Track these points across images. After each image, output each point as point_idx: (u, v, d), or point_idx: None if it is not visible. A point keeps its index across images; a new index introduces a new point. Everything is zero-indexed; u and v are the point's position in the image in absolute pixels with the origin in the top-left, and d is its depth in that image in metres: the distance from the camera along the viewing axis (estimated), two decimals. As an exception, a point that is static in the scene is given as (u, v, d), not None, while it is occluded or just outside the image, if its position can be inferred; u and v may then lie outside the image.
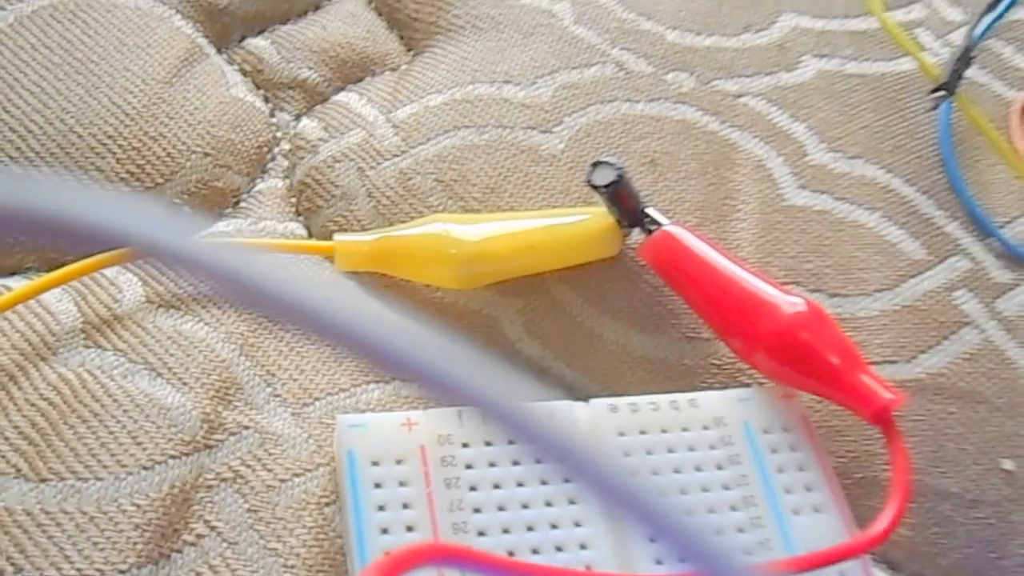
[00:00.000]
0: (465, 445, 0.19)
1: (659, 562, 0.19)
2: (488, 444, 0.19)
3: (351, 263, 0.23)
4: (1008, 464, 0.23)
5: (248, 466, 0.20)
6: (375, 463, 0.19)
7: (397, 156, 0.25)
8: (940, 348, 0.25)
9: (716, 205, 0.26)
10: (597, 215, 0.24)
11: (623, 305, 0.24)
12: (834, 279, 0.25)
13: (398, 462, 0.19)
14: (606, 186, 0.23)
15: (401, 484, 0.19)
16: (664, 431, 0.21)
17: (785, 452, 0.21)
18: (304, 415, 0.21)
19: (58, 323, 0.21)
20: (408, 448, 0.19)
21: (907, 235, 0.27)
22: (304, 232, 0.25)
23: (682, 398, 0.21)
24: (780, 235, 0.26)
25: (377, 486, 0.19)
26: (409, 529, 0.18)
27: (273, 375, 0.21)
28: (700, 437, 0.21)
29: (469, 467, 0.19)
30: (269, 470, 0.20)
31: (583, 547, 0.19)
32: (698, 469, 0.20)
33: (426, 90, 0.27)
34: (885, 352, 0.24)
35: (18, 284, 0.21)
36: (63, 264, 0.22)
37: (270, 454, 0.20)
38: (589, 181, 0.23)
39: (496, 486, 0.19)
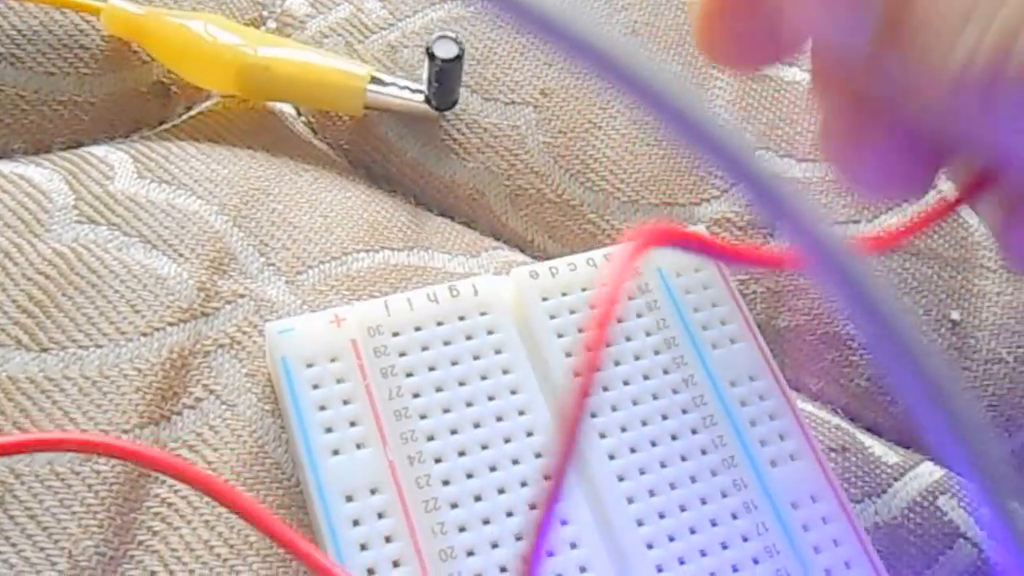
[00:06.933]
0: (396, 334, 0.18)
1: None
2: (418, 329, 0.18)
3: (117, 27, 0.22)
4: (955, 315, 0.23)
5: (244, 332, 0.19)
6: (310, 364, 0.18)
7: (384, 29, 0.24)
8: (900, 210, 0.24)
9: (695, 74, 0.25)
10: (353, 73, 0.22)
11: (604, 175, 0.23)
12: (805, 146, 0.24)
13: (332, 360, 0.18)
14: (445, 60, 0.21)
15: (338, 381, 0.18)
16: (584, 289, 0.20)
17: (699, 292, 0.20)
18: (297, 283, 0.20)
19: (50, 201, 0.20)
20: (340, 345, 0.18)
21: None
22: (294, 112, 0.23)
23: (597, 254, 0.20)
24: (755, 103, 0.24)
25: (315, 387, 0.17)
26: (352, 424, 0.17)
27: (266, 245, 0.20)
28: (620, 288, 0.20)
29: (403, 354, 0.18)
30: (265, 336, 0.19)
31: (521, 413, 0.18)
32: (620, 320, 0.19)
33: (409, -36, 0.25)
34: (848, 212, 0.23)
35: (6, 167, 0.20)
36: (49, 147, 0.21)
37: (265, 320, 0.19)
38: (428, 49, 0.21)
39: (431, 368, 0.18)
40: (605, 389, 0.19)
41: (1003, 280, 0.24)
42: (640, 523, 0.17)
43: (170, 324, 0.19)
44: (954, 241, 0.24)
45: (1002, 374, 0.23)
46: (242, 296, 0.19)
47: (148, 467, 0.16)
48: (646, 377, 0.19)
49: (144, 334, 0.18)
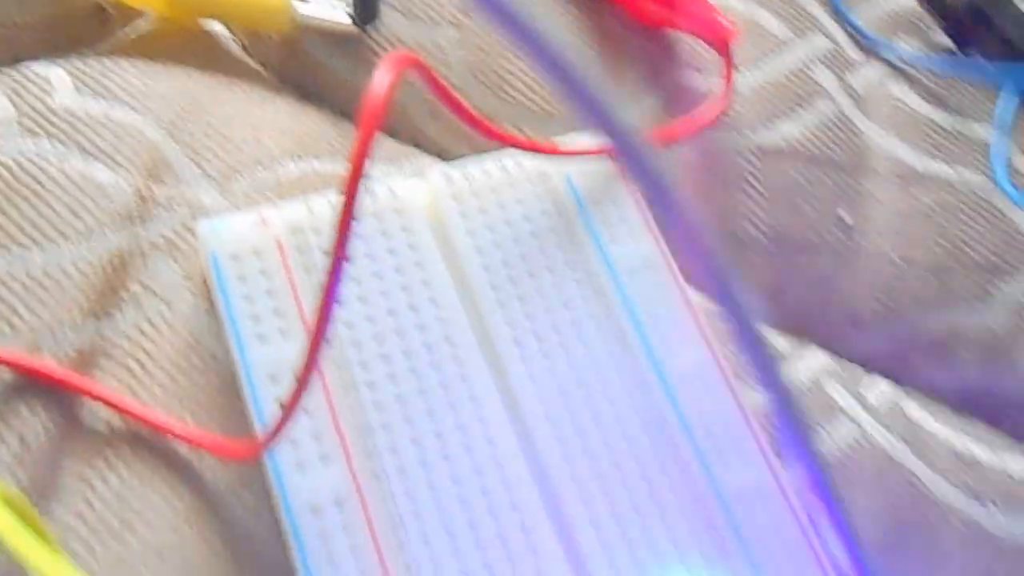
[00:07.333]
0: (317, 232, 0.20)
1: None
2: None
3: None
4: (846, 216, 0.25)
5: (179, 235, 0.21)
6: (237, 260, 0.19)
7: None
8: (797, 116, 0.26)
9: None
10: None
11: (520, 89, 0.24)
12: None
13: (258, 256, 0.19)
14: None
15: (264, 275, 0.19)
16: (494, 190, 0.21)
17: (602, 193, 0.22)
18: (229, 189, 0.21)
19: (-6, 114, 0.21)
20: (265, 242, 0.20)
21: (771, 14, 0.27)
22: (226, 32, 0.24)
23: (509, 161, 0.22)
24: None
25: (242, 280, 0.19)
26: (277, 314, 0.19)
27: (200, 154, 0.22)
28: (528, 191, 0.22)
29: (324, 251, 0.19)
30: (197, 236, 0.21)
31: (434, 304, 0.20)
32: (527, 219, 0.21)
33: None
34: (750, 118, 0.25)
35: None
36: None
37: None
38: None
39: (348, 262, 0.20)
40: (512, 282, 0.20)
41: (892, 184, 0.26)
42: (543, 401, 0.19)
43: (109, 227, 0.20)
44: (846, 146, 0.26)
45: (889, 272, 0.25)
46: (177, 202, 0.21)
47: (63, 388, 0.18)
48: (550, 271, 0.21)
49: (84, 237, 0.20)
